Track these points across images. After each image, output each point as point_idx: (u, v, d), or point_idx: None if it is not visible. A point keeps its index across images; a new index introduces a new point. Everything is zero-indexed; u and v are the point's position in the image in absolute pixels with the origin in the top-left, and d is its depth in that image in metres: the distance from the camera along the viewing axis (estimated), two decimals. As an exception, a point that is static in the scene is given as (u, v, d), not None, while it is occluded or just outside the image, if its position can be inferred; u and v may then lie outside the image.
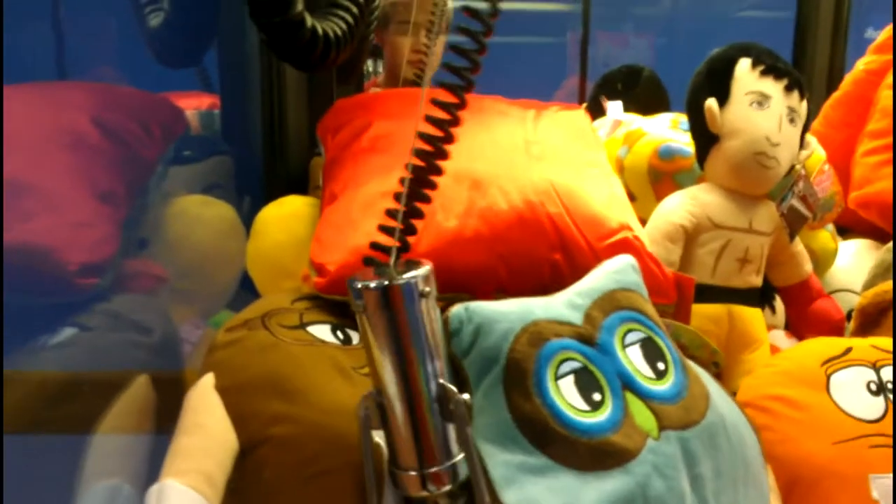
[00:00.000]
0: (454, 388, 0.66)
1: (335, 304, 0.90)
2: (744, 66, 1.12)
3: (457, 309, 0.75)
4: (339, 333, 0.86)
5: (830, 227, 1.35)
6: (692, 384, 0.81)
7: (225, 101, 1.56)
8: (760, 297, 1.18)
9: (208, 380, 0.76)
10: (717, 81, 1.12)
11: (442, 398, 0.66)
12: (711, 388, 0.84)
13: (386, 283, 0.64)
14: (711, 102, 1.11)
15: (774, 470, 0.91)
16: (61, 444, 0.80)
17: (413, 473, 0.66)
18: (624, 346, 0.79)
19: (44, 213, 0.94)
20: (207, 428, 0.72)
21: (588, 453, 0.72)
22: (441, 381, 0.66)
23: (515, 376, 0.73)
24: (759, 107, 1.10)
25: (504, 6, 0.69)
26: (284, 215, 1.13)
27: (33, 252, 0.91)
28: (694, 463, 0.76)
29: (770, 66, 1.11)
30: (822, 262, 1.33)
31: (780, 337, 1.22)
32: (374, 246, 0.68)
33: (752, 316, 1.14)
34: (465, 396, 0.67)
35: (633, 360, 0.78)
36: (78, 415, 0.78)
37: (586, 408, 0.74)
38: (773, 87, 1.11)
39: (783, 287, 1.21)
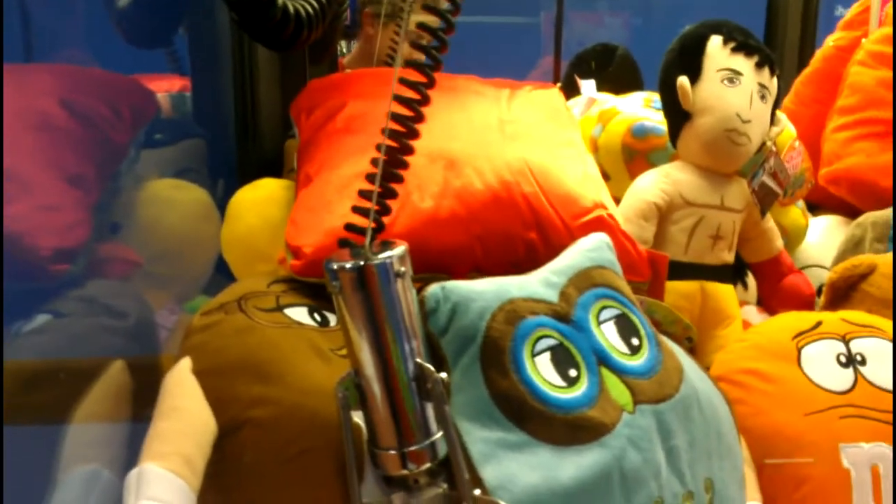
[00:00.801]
0: (431, 368, 0.67)
1: (312, 286, 0.90)
2: (715, 43, 1.12)
3: (433, 288, 0.75)
4: (316, 316, 0.86)
5: (801, 203, 1.37)
6: (666, 359, 0.82)
7: (196, 84, 1.53)
8: (733, 273, 1.19)
9: (185, 364, 0.76)
10: (689, 59, 1.13)
11: (419, 377, 0.67)
12: (685, 362, 0.85)
13: (361, 263, 0.64)
14: (683, 80, 1.11)
15: (748, 442, 0.92)
16: (38, 433, 0.79)
17: (392, 452, 0.67)
18: (599, 323, 0.80)
19: (14, 197, 0.93)
20: (186, 411, 0.72)
21: (565, 428, 0.73)
22: (418, 360, 0.67)
23: (492, 354, 0.74)
24: (730, 84, 1.11)
25: None
26: (259, 199, 1.12)
27: (6, 237, 0.90)
28: (668, 436, 0.78)
29: (741, 43, 1.12)
30: (793, 238, 1.35)
31: (752, 312, 1.24)
32: (349, 227, 0.68)
33: (724, 292, 1.15)
34: (443, 375, 0.67)
35: (608, 336, 0.80)
36: (54, 402, 0.77)
37: (562, 384, 0.75)
38: (744, 64, 1.11)
39: (755, 263, 1.23)
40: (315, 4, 1.04)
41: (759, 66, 1.12)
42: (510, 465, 0.71)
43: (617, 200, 1.12)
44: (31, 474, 0.77)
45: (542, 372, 0.74)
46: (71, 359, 0.82)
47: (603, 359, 0.78)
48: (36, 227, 0.91)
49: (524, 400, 0.73)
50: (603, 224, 0.96)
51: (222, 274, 1.16)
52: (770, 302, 1.23)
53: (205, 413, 0.72)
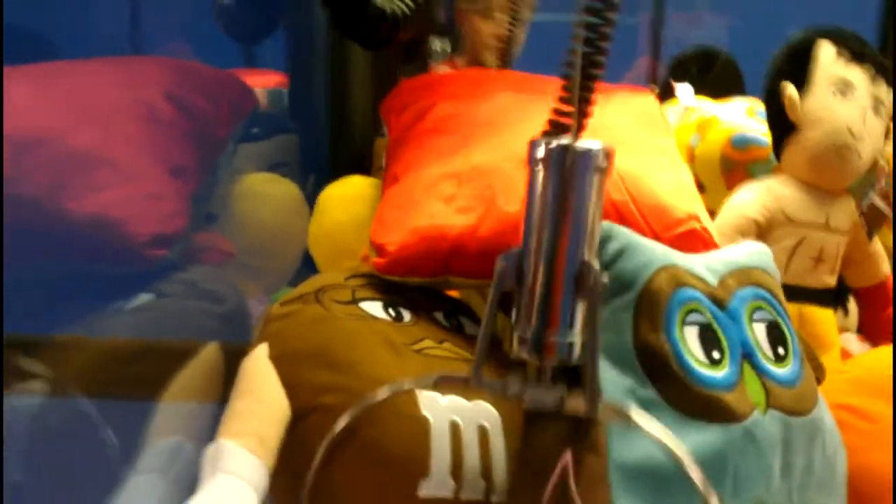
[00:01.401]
0: (599, 269, 0.64)
1: (389, 282, 0.91)
2: (827, 51, 1.06)
3: (605, 222, 0.76)
4: (390, 311, 0.87)
5: (913, 225, 1.28)
6: (807, 378, 0.80)
7: (292, 80, 1.57)
8: (834, 297, 1.13)
9: (263, 349, 0.78)
10: (798, 67, 1.07)
11: (581, 276, 0.64)
12: (820, 394, 0.83)
13: (566, 143, 0.63)
14: (791, 89, 1.06)
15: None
16: (133, 406, 0.83)
17: (528, 336, 0.64)
18: (751, 321, 0.79)
19: (116, 184, 0.97)
20: (262, 393, 0.74)
21: (697, 401, 0.72)
22: (587, 258, 0.64)
23: (648, 306, 0.74)
24: (842, 95, 1.05)
25: None
26: (346, 195, 1.13)
27: (105, 223, 0.94)
28: (790, 451, 0.75)
29: (856, 53, 1.05)
30: (903, 261, 1.26)
31: (851, 340, 1.17)
32: (557, 112, 0.67)
33: (823, 318, 1.09)
34: (606, 279, 0.65)
35: (758, 335, 0.78)
36: (149, 377, 0.81)
37: (705, 360, 0.74)
38: (858, 75, 1.05)
39: (858, 288, 1.16)
40: (409, 4, 1.04)
41: (874, 77, 1.06)
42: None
43: (712, 213, 1.07)
44: (123, 445, 0.80)
45: (688, 342, 0.74)
46: (168, 340, 0.86)
47: (748, 354, 0.77)
48: (136, 214, 0.95)
49: (667, 359, 0.73)
50: (696, 237, 0.92)
51: (309, 268, 1.18)
52: (872, 331, 1.16)
53: (280, 396, 0.74)
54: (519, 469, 0.73)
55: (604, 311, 0.74)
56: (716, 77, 1.62)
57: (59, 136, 1.00)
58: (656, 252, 0.78)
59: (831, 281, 1.10)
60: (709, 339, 0.75)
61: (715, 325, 0.76)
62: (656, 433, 0.62)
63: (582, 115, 0.65)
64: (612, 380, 0.73)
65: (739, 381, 0.74)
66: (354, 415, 0.72)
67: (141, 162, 1.01)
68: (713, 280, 0.79)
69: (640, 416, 0.63)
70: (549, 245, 0.64)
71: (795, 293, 1.07)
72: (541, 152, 0.63)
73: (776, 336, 0.79)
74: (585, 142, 0.64)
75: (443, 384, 0.73)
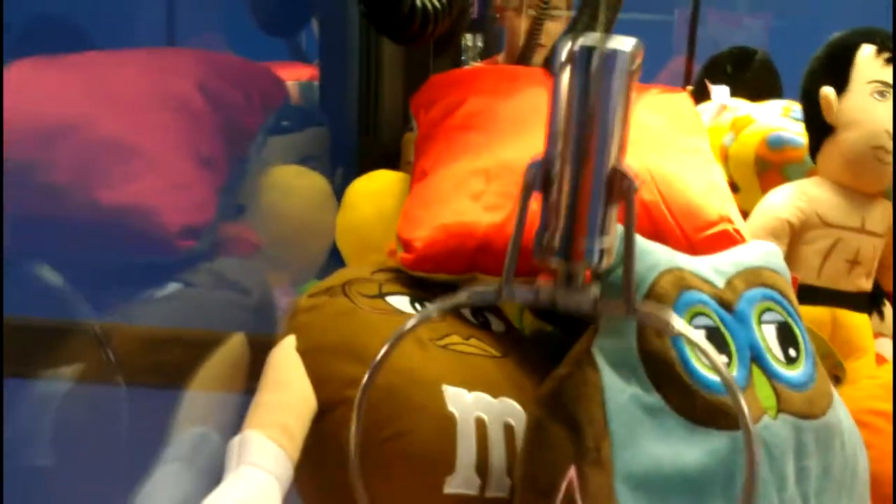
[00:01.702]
0: (630, 173, 0.61)
1: (416, 278, 0.90)
2: (866, 52, 1.04)
3: None
4: (417, 305, 0.86)
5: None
6: (820, 380, 0.78)
7: (323, 73, 1.58)
8: (869, 302, 1.11)
9: (290, 341, 0.78)
10: (836, 68, 1.05)
11: (613, 180, 0.60)
12: (836, 393, 0.81)
13: (592, 44, 0.58)
14: (828, 90, 1.04)
15: (871, 489, 0.85)
16: (160, 394, 0.84)
17: (558, 242, 0.61)
18: (760, 323, 0.77)
19: (147, 174, 0.98)
20: (289, 385, 0.74)
21: (704, 407, 0.70)
22: (617, 165, 0.60)
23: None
24: (880, 97, 1.03)
25: None
26: (374, 190, 1.13)
27: (135, 212, 0.95)
28: (803, 455, 0.74)
29: (896, 54, 1.03)
30: (941, 267, 1.23)
31: (887, 346, 1.15)
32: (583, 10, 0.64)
33: (858, 322, 1.07)
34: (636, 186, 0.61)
35: (767, 337, 0.77)
36: (177, 366, 0.81)
37: None
38: (898, 77, 1.03)
39: (894, 292, 1.14)
40: None
41: (915, 79, 1.03)
42: (639, 426, 0.70)
43: (745, 214, 1.06)
44: (149, 433, 0.81)
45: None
46: (196, 330, 0.86)
47: (757, 357, 0.75)
48: (166, 204, 0.96)
49: (672, 365, 0.71)
50: (728, 239, 0.91)
51: (336, 261, 1.19)
52: (909, 336, 1.13)
53: (306, 389, 0.74)
54: (523, 487, 0.72)
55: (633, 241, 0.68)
56: (752, 77, 1.60)
57: (91, 125, 1.01)
58: (661, 255, 0.76)
59: (867, 285, 1.08)
60: (716, 342, 0.73)
61: (722, 329, 0.74)
62: (695, 338, 0.57)
63: (610, 9, 0.61)
64: (617, 386, 0.71)
65: (748, 386, 0.73)
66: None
67: (171, 152, 1.02)
68: (720, 282, 0.77)
69: (677, 321, 0.57)
70: (577, 150, 0.59)
71: (829, 296, 1.06)
72: (565, 54, 0.58)
73: (787, 337, 0.77)
74: (614, 40, 0.58)
75: (474, 297, 0.70)
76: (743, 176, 1.22)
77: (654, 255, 0.76)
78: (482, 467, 0.76)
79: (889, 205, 1.08)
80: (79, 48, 1.17)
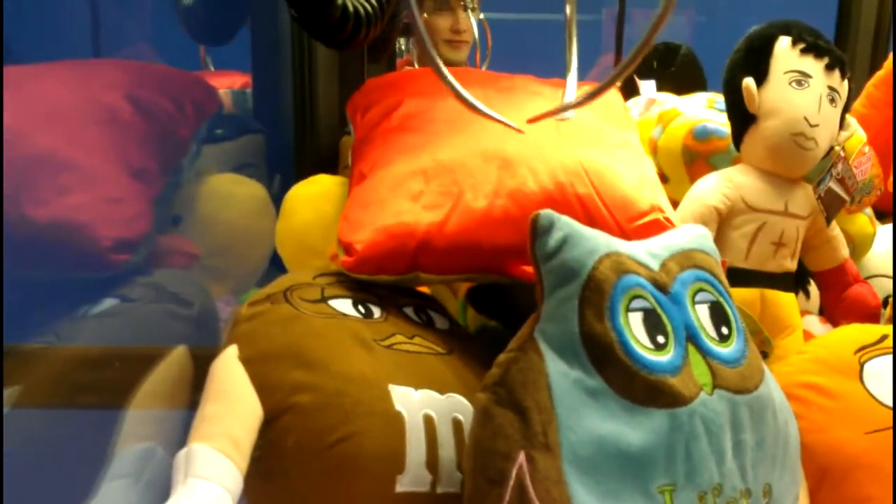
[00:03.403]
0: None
1: (358, 280, 0.91)
2: (783, 43, 1.09)
3: (546, 211, 0.77)
4: (360, 308, 0.87)
5: (868, 210, 1.32)
6: (751, 356, 0.81)
7: (257, 81, 1.56)
8: (795, 281, 1.15)
9: (232, 351, 0.78)
10: (756, 59, 1.09)
11: None
12: (765, 367, 0.84)
13: None
14: (749, 81, 1.08)
15: (805, 461, 0.89)
16: (100, 413, 0.82)
17: None
18: (694, 303, 0.80)
19: (77, 188, 0.96)
20: (233, 395, 0.73)
21: (644, 387, 0.73)
22: None
23: (593, 294, 0.75)
24: (798, 86, 1.07)
25: None
26: (313, 194, 1.13)
27: (66, 227, 0.93)
28: (739, 428, 0.77)
29: (811, 45, 1.08)
30: (859, 246, 1.30)
31: (814, 322, 1.20)
32: None
33: (785, 301, 1.11)
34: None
35: (701, 317, 0.79)
36: (117, 383, 0.80)
37: (650, 346, 0.75)
38: (813, 66, 1.07)
39: (818, 272, 1.19)
40: (374, 3, 1.04)
41: (829, 68, 1.08)
42: (584, 409, 0.72)
43: (675, 204, 1.09)
44: (90, 453, 0.79)
45: (633, 328, 0.75)
46: (136, 346, 0.85)
47: (692, 336, 0.78)
48: (98, 218, 0.94)
49: (612, 347, 0.73)
50: (659, 227, 0.94)
51: (277, 268, 1.18)
52: (833, 313, 1.18)
53: (251, 398, 0.73)
54: (474, 477, 0.73)
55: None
56: (677, 72, 1.65)
57: (18, 141, 0.98)
58: (599, 240, 0.79)
59: (792, 265, 1.12)
60: (653, 323, 0.76)
61: (659, 310, 0.77)
62: None
63: None
64: (561, 370, 0.73)
65: (685, 364, 0.76)
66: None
67: (102, 165, 1.00)
68: (655, 265, 0.80)
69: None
70: None
71: (757, 278, 1.10)
72: None
73: (719, 316, 0.81)
74: None
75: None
76: (672, 167, 1.26)
77: (593, 241, 0.78)
78: (432, 464, 0.77)
79: (809, 188, 1.12)
80: (2, 63, 1.14)
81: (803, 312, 1.19)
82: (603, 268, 0.76)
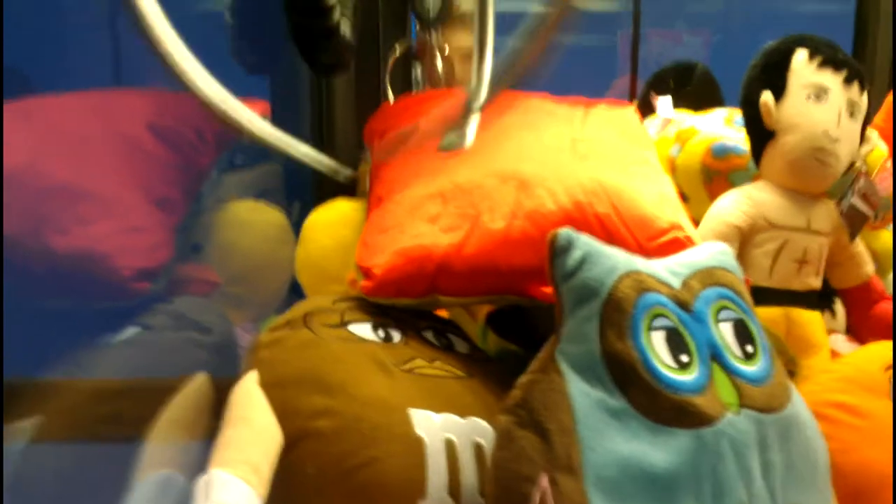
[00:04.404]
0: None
1: (377, 304, 0.91)
2: (800, 57, 1.08)
3: (565, 230, 0.76)
4: (379, 332, 0.87)
5: (892, 227, 1.30)
6: (777, 374, 0.80)
7: (275, 109, 1.58)
8: (820, 299, 1.14)
9: (252, 377, 0.78)
10: (773, 74, 1.09)
11: None
12: (792, 386, 0.83)
13: None
14: (767, 96, 1.07)
15: (836, 481, 0.87)
16: (122, 445, 0.81)
17: None
18: (717, 321, 0.78)
19: (98, 218, 0.97)
20: (253, 421, 0.73)
21: (668, 407, 0.71)
22: None
23: (614, 313, 0.74)
24: (816, 100, 1.06)
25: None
26: (331, 220, 1.14)
27: (89, 257, 0.94)
28: (767, 448, 0.75)
29: (828, 58, 1.07)
30: (884, 263, 1.27)
31: (840, 341, 1.18)
32: None
33: (810, 319, 1.10)
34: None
35: (725, 335, 0.78)
36: (138, 414, 0.79)
37: (673, 365, 0.74)
38: (831, 80, 1.07)
39: (844, 289, 1.17)
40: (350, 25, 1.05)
41: (847, 81, 1.07)
42: (607, 430, 0.70)
43: (696, 223, 1.08)
44: (111, 486, 0.79)
45: (655, 347, 0.74)
46: (157, 378, 0.85)
47: (716, 355, 0.76)
48: (119, 248, 0.95)
49: (635, 367, 0.72)
50: (680, 246, 0.93)
51: (297, 295, 1.18)
52: (860, 330, 1.17)
53: (271, 423, 0.73)
54: (496, 500, 0.72)
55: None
56: (694, 90, 1.64)
57: (39, 171, 1.00)
58: (618, 258, 0.78)
59: (816, 283, 1.10)
60: (676, 342, 0.75)
61: (681, 329, 0.76)
62: None
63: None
64: (583, 391, 0.72)
65: (709, 383, 0.74)
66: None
67: (124, 195, 1.01)
68: (676, 283, 0.79)
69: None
70: None
71: (781, 297, 1.08)
72: None
73: (743, 334, 0.79)
74: None
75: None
76: (691, 186, 1.25)
77: (613, 259, 0.77)
78: (454, 489, 0.76)
79: (831, 204, 1.11)
80: (22, 94, 1.16)
81: (829, 331, 1.17)
82: (623, 286, 0.75)
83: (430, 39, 1.50)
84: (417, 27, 1.45)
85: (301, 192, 1.43)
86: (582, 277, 0.75)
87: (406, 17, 1.48)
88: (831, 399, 0.94)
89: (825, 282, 1.14)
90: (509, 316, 1.10)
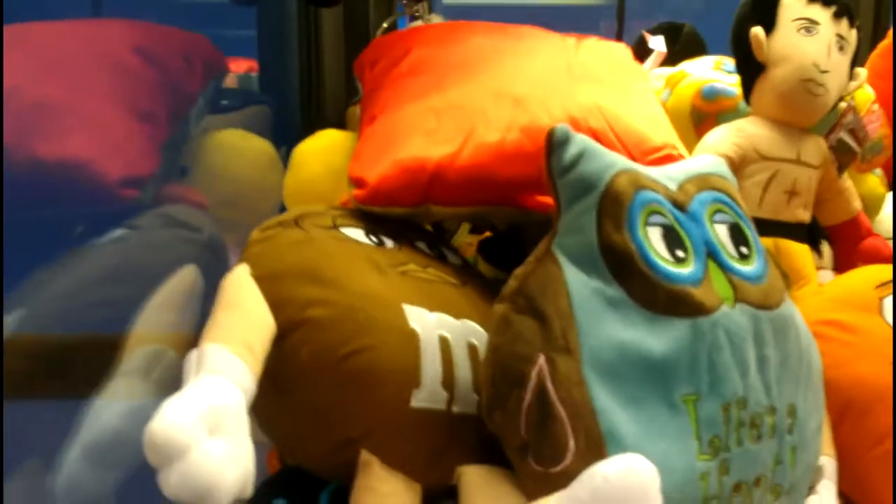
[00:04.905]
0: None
1: (369, 213, 0.90)
2: (790, -8, 1.09)
3: (562, 125, 0.76)
4: (372, 237, 0.85)
5: (879, 171, 1.31)
6: (772, 275, 0.80)
7: (263, 54, 1.56)
8: (808, 234, 1.14)
9: (244, 268, 0.76)
10: (763, 9, 1.09)
11: None
12: (786, 292, 0.83)
13: None
14: (757, 30, 1.08)
15: (829, 396, 0.87)
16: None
17: None
18: (712, 222, 0.79)
19: (84, 129, 0.95)
20: (245, 305, 0.71)
21: (664, 296, 0.71)
22: None
23: (611, 205, 0.74)
24: (806, 33, 1.07)
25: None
26: (322, 147, 1.13)
27: (75, 165, 0.92)
28: (762, 343, 0.75)
29: (818, -8, 1.08)
30: (870, 206, 1.28)
31: (828, 277, 1.18)
32: None
33: (799, 251, 1.10)
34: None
35: (720, 235, 0.78)
36: (129, 301, 0.77)
37: (670, 259, 0.73)
38: (821, 14, 1.07)
39: (832, 225, 1.18)
40: None
41: (836, 16, 1.08)
42: (604, 317, 0.70)
43: (686, 158, 1.08)
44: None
45: (652, 242, 0.73)
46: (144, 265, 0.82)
47: (712, 252, 0.76)
48: (107, 156, 0.93)
49: (632, 257, 0.72)
50: (673, 162, 0.93)
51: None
52: (847, 266, 1.17)
53: (264, 310, 0.71)
54: (493, 381, 0.72)
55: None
56: (681, 49, 1.65)
57: (25, 87, 0.98)
58: (615, 157, 0.78)
59: (805, 216, 1.11)
60: (672, 239, 0.75)
61: (677, 227, 0.76)
62: None
63: None
64: (580, 280, 0.72)
65: (705, 277, 0.74)
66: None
67: (108, 108, 0.99)
68: (672, 185, 0.79)
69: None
70: None
71: (771, 227, 1.08)
72: None
73: (738, 237, 0.79)
74: None
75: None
76: (681, 128, 1.24)
77: (611, 156, 0.77)
78: (448, 382, 0.75)
79: (821, 139, 1.12)
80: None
81: (817, 268, 1.17)
82: (621, 181, 0.75)
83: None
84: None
85: (289, 135, 1.42)
86: (579, 171, 0.75)
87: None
88: (822, 317, 0.93)
89: (813, 220, 1.15)
90: (500, 243, 1.09)
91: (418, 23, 1.35)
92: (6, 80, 0.98)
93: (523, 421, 0.69)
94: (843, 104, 1.14)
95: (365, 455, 0.72)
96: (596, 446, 0.65)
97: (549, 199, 0.81)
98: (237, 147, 1.18)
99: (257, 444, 0.63)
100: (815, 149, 1.11)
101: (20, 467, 0.75)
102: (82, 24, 1.15)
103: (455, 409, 0.76)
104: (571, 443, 0.66)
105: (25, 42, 1.07)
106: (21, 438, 0.74)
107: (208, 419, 0.56)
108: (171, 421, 0.54)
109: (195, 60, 1.15)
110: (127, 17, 1.19)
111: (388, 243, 0.87)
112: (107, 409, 0.68)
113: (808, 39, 1.07)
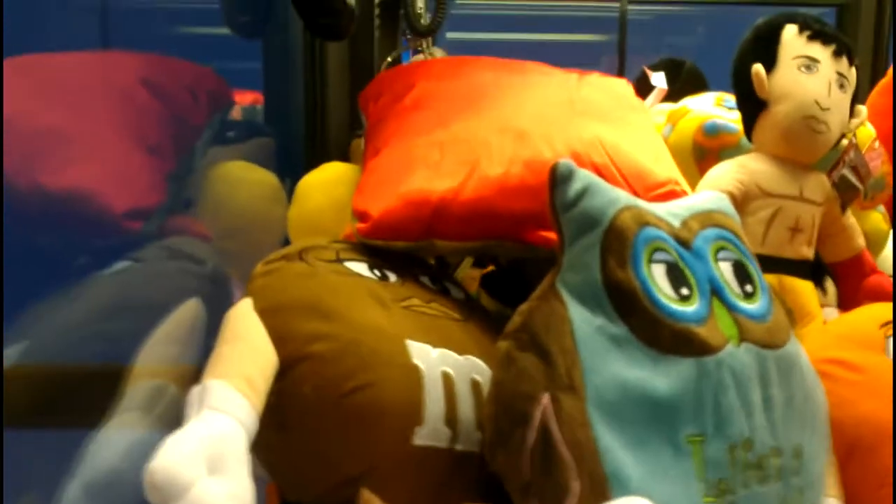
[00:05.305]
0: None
1: (372, 247, 0.89)
2: (790, 31, 1.10)
3: (565, 161, 0.76)
4: (375, 272, 0.85)
5: (882, 208, 1.31)
6: (777, 313, 0.80)
7: (268, 86, 1.58)
8: (812, 272, 1.14)
9: (247, 302, 0.76)
10: (764, 47, 1.10)
11: None
12: (792, 331, 0.82)
13: None
14: (758, 67, 1.09)
15: (834, 435, 0.86)
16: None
17: None
18: (717, 260, 0.78)
19: (88, 161, 0.95)
20: (248, 339, 0.71)
21: (669, 335, 0.71)
22: None
23: (615, 242, 0.73)
24: (807, 70, 1.08)
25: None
26: (326, 179, 1.13)
27: (77, 196, 0.92)
28: (768, 383, 0.74)
29: (817, 31, 1.09)
30: (874, 243, 1.28)
31: (832, 314, 1.18)
32: None
33: (803, 288, 1.10)
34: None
35: (724, 273, 0.78)
36: (130, 335, 0.77)
37: (674, 296, 0.73)
38: (821, 52, 1.09)
39: (835, 262, 1.18)
40: None
41: (836, 54, 1.09)
42: (608, 355, 0.70)
43: (688, 194, 1.08)
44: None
45: (656, 279, 0.73)
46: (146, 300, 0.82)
47: (717, 290, 0.76)
48: (112, 186, 0.93)
49: (636, 295, 0.72)
50: (676, 199, 0.93)
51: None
52: (852, 304, 1.16)
53: (267, 344, 0.71)
54: (497, 419, 0.71)
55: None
56: (682, 85, 1.66)
57: (31, 116, 0.98)
58: (619, 193, 0.78)
59: (808, 253, 1.11)
60: (676, 276, 0.75)
61: (681, 264, 0.76)
62: None
63: None
64: (584, 317, 0.72)
65: (710, 316, 0.74)
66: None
67: (114, 140, 1.00)
68: (676, 222, 0.79)
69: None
70: None
71: (774, 264, 1.08)
72: None
73: (742, 274, 0.79)
74: None
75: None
76: (682, 164, 1.24)
77: (614, 192, 0.77)
78: (451, 420, 0.75)
79: (823, 176, 1.12)
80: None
81: (821, 305, 1.17)
82: (624, 217, 0.75)
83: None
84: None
85: (293, 167, 1.42)
86: (583, 206, 0.75)
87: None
88: (827, 356, 0.93)
89: (816, 257, 1.15)
90: (503, 278, 1.09)
91: (421, 57, 1.36)
92: (14, 109, 0.99)
93: (527, 461, 0.68)
94: (845, 141, 1.15)
95: (366, 494, 0.71)
96: (600, 488, 0.65)
97: (552, 234, 0.82)
98: (242, 179, 1.18)
99: (256, 479, 0.63)
100: (818, 185, 1.11)
101: (19, 500, 0.74)
102: (90, 56, 1.15)
103: (458, 446, 0.75)
104: (575, 484, 0.65)
105: (34, 73, 1.08)
106: (21, 470, 0.73)
107: (209, 458, 0.56)
108: (171, 460, 0.54)
109: (201, 93, 1.16)
110: (134, 50, 1.20)
111: (392, 277, 0.87)
112: (108, 445, 0.68)
113: (808, 77, 1.08)
